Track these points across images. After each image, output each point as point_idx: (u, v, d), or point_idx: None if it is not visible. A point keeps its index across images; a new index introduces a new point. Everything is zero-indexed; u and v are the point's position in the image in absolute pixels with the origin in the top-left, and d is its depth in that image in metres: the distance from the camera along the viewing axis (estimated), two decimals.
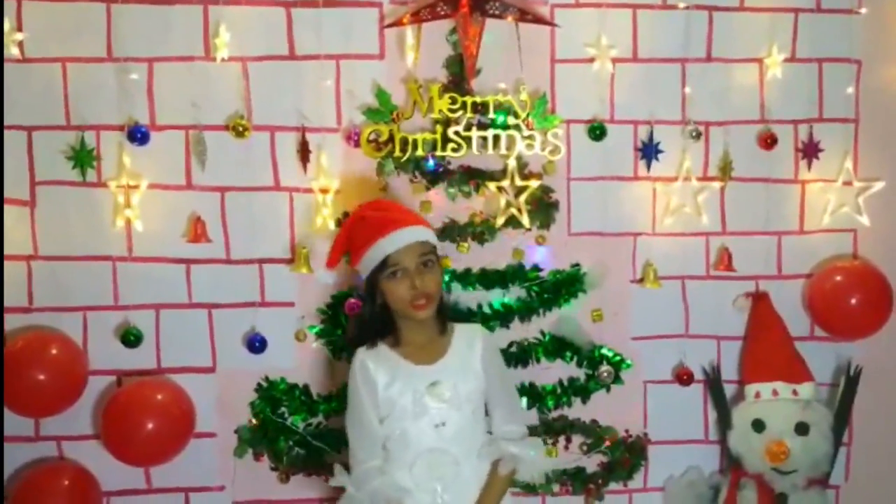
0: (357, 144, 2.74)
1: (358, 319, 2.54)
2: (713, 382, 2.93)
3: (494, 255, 2.80)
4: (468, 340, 2.36)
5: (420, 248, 2.28)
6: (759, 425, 2.80)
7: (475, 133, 2.74)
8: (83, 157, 2.70)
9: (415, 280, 2.24)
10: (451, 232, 2.77)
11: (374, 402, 2.29)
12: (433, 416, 2.27)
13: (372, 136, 2.73)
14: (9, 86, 2.66)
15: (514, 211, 2.74)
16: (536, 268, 2.83)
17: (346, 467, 2.34)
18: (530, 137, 2.75)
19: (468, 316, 2.77)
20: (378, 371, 2.30)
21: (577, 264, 2.85)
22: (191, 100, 2.72)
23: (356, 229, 2.35)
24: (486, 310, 2.80)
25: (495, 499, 2.32)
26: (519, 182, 2.74)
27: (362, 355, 2.34)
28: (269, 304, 2.82)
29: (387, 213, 2.35)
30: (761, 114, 2.89)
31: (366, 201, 2.51)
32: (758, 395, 2.85)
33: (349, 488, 2.30)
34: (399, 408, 2.27)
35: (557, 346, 2.83)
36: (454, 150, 2.73)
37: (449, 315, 2.46)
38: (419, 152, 2.73)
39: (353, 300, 2.74)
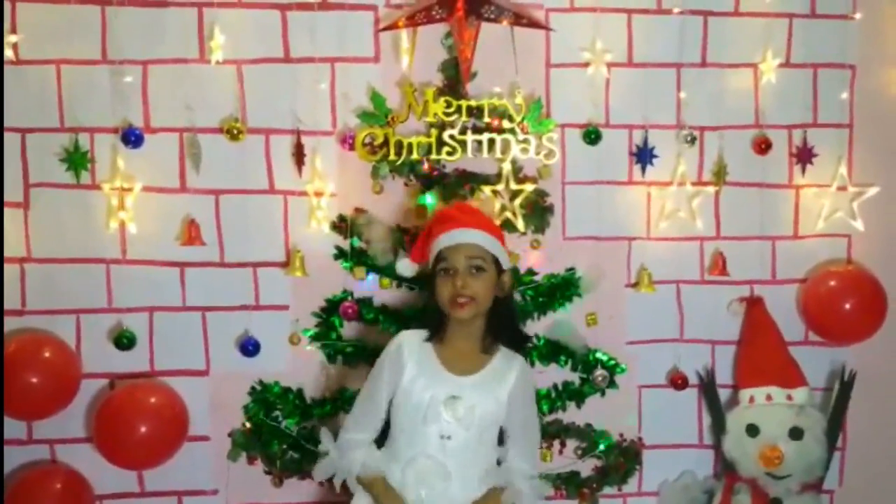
0: (352, 148, 2.74)
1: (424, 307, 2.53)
2: (707, 387, 2.93)
3: None
4: (505, 367, 2.35)
5: (471, 251, 2.28)
6: (753, 430, 2.80)
7: (470, 137, 2.74)
8: (77, 160, 2.69)
9: (457, 280, 2.26)
10: None
11: (393, 383, 2.30)
12: (442, 427, 2.26)
13: (367, 140, 2.73)
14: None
15: (508, 215, 2.74)
16: (531, 272, 2.83)
17: (335, 435, 2.37)
18: (525, 141, 2.75)
19: None
20: (410, 359, 2.31)
21: (572, 268, 2.85)
22: (185, 102, 2.72)
23: (432, 223, 2.40)
24: None
25: None
26: (514, 186, 2.75)
27: (407, 337, 2.36)
28: (263, 307, 2.81)
29: (460, 214, 2.37)
30: (756, 119, 2.90)
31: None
32: (752, 399, 2.85)
33: (332, 452, 2.33)
34: (415, 403, 2.28)
35: (552, 350, 2.83)
36: (449, 153, 2.73)
37: (505, 338, 2.39)
38: (414, 156, 2.73)
39: (347, 303, 2.74)
